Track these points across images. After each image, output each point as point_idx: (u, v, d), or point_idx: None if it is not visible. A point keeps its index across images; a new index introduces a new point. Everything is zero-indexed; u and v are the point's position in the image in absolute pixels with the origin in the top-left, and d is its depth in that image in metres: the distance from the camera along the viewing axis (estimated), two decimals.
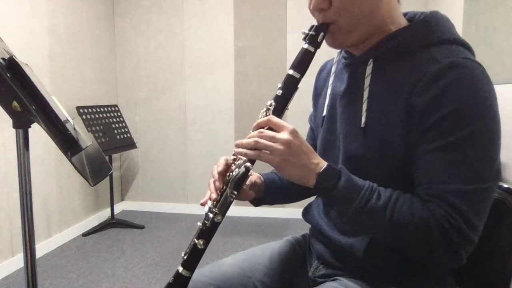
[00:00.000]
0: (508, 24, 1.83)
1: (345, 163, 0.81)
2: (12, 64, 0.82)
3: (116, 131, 3.10)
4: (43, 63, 2.65)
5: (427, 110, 0.68)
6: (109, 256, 2.60)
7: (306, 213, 0.99)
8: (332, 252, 0.88)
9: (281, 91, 0.78)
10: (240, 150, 0.74)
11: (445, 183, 0.67)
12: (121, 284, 2.22)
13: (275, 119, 0.74)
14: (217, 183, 0.81)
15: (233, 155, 0.81)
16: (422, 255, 0.70)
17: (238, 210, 3.41)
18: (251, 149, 0.73)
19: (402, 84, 0.72)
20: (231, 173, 0.79)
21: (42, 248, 2.62)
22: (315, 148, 0.94)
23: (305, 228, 1.02)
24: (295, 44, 3.24)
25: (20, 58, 0.86)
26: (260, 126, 0.75)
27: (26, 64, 0.89)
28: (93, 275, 2.33)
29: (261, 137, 0.72)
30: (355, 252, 0.80)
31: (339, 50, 0.91)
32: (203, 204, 0.81)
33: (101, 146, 2.79)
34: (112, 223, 3.16)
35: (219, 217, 0.77)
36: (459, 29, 2.32)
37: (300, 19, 3.22)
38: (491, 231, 0.85)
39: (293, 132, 0.72)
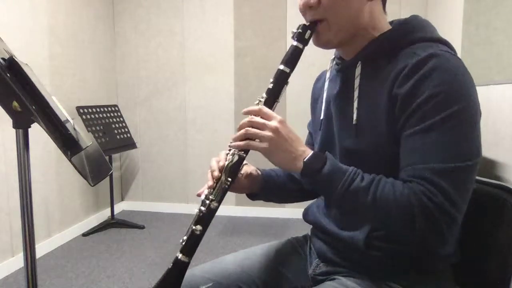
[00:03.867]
0: (508, 24, 1.84)
1: (342, 159, 0.85)
2: (12, 64, 0.82)
3: (116, 131, 3.10)
4: (43, 63, 2.65)
5: (408, 98, 0.73)
6: (109, 256, 2.60)
7: (306, 213, 1.00)
8: (333, 248, 0.89)
9: (272, 85, 0.83)
10: (233, 144, 0.80)
11: (425, 163, 0.70)
12: (121, 284, 2.22)
13: (265, 109, 0.80)
14: (215, 173, 0.84)
15: (229, 146, 0.84)
16: (406, 233, 0.71)
17: (238, 210, 3.41)
18: (242, 140, 0.78)
19: (386, 79, 0.77)
20: (226, 162, 0.83)
21: (42, 248, 2.62)
22: None
23: (306, 229, 1.02)
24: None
25: (20, 58, 0.86)
26: (250, 114, 0.80)
27: (26, 64, 0.89)
28: (93, 275, 2.33)
29: (251, 122, 0.78)
30: (355, 244, 0.82)
31: (332, 58, 0.96)
32: (199, 195, 0.85)
33: (101, 146, 2.79)
34: (112, 223, 3.16)
35: (215, 204, 0.81)
36: (459, 29, 2.32)
37: (300, 19, 3.21)
38: (491, 230, 0.86)
39: (281, 122, 0.78)
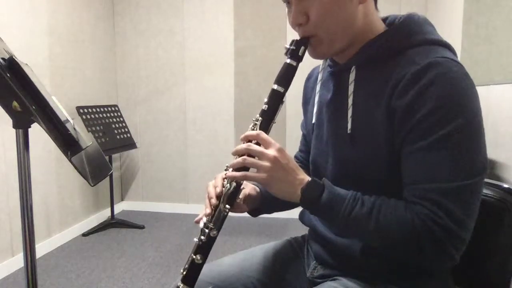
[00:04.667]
0: (508, 24, 1.84)
1: (336, 169, 0.83)
2: (12, 64, 0.82)
3: (116, 131, 3.10)
4: (43, 63, 2.65)
5: (407, 112, 0.69)
6: (109, 256, 2.60)
7: (303, 216, 1.00)
8: (330, 252, 0.88)
9: (266, 106, 0.80)
10: (230, 174, 0.77)
11: (429, 183, 0.68)
12: (121, 284, 2.22)
13: (263, 135, 0.76)
14: (213, 200, 0.82)
15: (225, 169, 0.82)
16: (413, 257, 0.71)
17: None
18: (239, 169, 0.76)
19: (383, 88, 0.74)
20: (223, 189, 0.81)
21: (42, 248, 2.62)
22: (308, 153, 0.96)
23: (305, 229, 1.02)
24: None
25: (20, 58, 0.86)
26: (248, 139, 0.77)
27: (26, 64, 0.89)
28: (93, 275, 2.33)
29: (248, 150, 0.75)
30: (352, 253, 0.81)
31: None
32: (197, 222, 0.83)
33: (101, 146, 2.79)
34: (112, 223, 3.16)
35: (215, 232, 0.79)
36: (459, 29, 2.32)
37: None
38: (491, 231, 0.85)
39: (280, 150, 0.74)
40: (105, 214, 3.33)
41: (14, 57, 0.83)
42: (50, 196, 2.73)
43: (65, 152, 0.84)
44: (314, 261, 0.93)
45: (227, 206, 0.79)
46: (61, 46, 2.82)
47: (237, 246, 2.77)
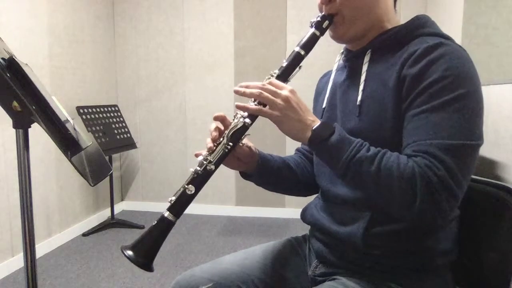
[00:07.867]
0: (508, 24, 1.84)
1: None
2: (12, 64, 0.82)
3: (116, 131, 3.10)
4: (43, 63, 2.65)
5: (416, 79, 0.75)
6: (109, 256, 2.60)
7: (305, 213, 1.00)
8: (331, 249, 0.89)
9: (285, 63, 0.85)
10: (244, 105, 0.79)
11: (430, 139, 0.72)
12: (121, 284, 2.22)
13: (275, 81, 0.81)
14: (224, 140, 0.82)
15: (234, 116, 0.84)
16: (406, 206, 0.71)
17: (238, 210, 3.41)
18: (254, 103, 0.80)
19: (396, 62, 0.80)
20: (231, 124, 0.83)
21: (42, 248, 2.62)
22: None
23: (305, 229, 1.02)
24: (295, 44, 3.23)
25: (20, 58, 0.86)
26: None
27: (26, 64, 0.89)
28: (93, 275, 2.33)
29: (263, 89, 0.78)
30: (354, 242, 0.82)
31: (340, 51, 0.98)
32: (197, 155, 0.85)
33: (101, 146, 2.79)
34: (112, 223, 3.16)
35: (212, 166, 0.80)
36: (459, 29, 2.32)
37: (300, 19, 3.22)
38: (490, 230, 0.86)
39: (292, 91, 0.79)
40: (105, 214, 3.33)
41: (14, 57, 0.83)
42: (50, 196, 2.73)
43: (65, 152, 0.84)
44: (316, 260, 0.94)
45: (230, 143, 0.81)
46: (61, 46, 2.82)
47: (237, 246, 2.77)
